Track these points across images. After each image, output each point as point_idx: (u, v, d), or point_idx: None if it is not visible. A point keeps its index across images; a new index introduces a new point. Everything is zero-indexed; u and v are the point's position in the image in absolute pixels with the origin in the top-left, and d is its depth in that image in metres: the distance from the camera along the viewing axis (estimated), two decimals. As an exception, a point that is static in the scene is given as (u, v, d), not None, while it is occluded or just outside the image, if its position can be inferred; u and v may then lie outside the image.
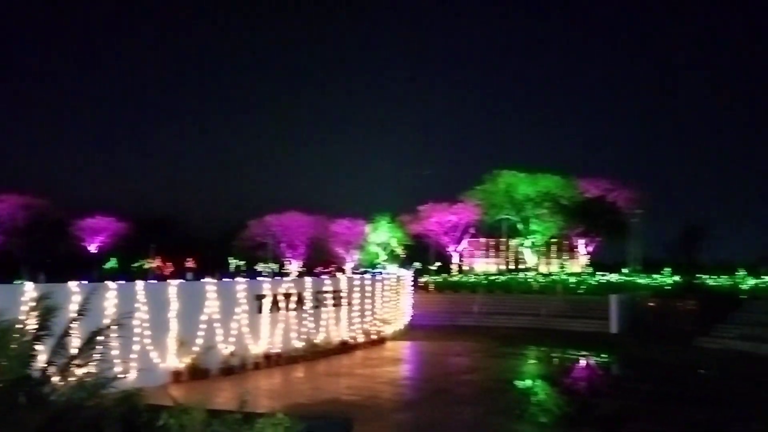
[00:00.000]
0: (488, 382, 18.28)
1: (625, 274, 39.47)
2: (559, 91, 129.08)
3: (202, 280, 18.97)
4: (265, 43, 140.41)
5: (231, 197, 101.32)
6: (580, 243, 50.26)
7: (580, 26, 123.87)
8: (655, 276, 36.40)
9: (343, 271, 45.72)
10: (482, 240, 59.82)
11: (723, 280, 32.72)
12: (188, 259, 57.79)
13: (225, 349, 18.14)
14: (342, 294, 22.98)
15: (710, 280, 32.89)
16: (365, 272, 32.63)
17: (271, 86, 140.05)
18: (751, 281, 31.50)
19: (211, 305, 18.01)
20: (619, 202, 46.77)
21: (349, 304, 23.33)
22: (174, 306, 17.14)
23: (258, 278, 21.64)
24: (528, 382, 18.74)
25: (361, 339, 23.58)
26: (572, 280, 37.83)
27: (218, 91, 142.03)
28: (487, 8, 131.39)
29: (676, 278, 33.82)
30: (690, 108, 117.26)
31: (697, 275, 33.19)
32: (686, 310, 27.39)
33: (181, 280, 18.57)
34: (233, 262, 62.96)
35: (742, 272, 33.53)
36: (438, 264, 51.11)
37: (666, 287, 33.02)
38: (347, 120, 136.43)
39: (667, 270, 35.74)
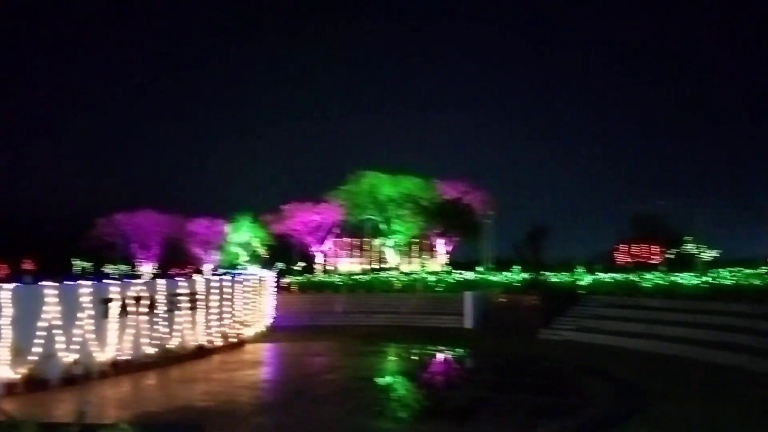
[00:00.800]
0: (349, 380, 18.41)
1: (480, 272, 41.61)
2: (420, 96, 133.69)
3: (41, 283, 17.35)
4: (120, 36, 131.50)
5: (77, 193, 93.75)
6: (439, 243, 52.37)
7: (434, 30, 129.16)
8: (506, 273, 38.69)
9: (200, 272, 44.01)
10: (346, 240, 60.37)
11: (564, 277, 35.49)
12: (25, 260, 52.69)
13: (67, 357, 16.73)
14: (199, 296, 22.05)
15: (553, 277, 35.53)
16: (225, 273, 31.62)
17: (122, 79, 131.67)
18: (589, 278, 34.50)
19: (51, 310, 16.52)
20: (474, 204, 49.36)
21: (207, 306, 22.45)
22: (7, 312, 15.60)
23: (105, 281, 20.17)
24: (387, 379, 19.12)
25: (219, 343, 22.81)
26: (431, 278, 39.22)
27: (62, 77, 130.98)
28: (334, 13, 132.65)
29: (524, 275, 36.21)
30: (533, 116, 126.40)
31: (542, 272, 35.74)
32: (531, 305, 29.42)
33: (17, 284, 16.87)
34: (79, 264, 58.34)
35: (580, 269, 36.58)
36: (302, 264, 50.82)
37: (515, 284, 35.24)
38: (209, 116, 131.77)
39: (517, 268, 38.13)
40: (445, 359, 23.41)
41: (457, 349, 24.71)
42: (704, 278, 30.29)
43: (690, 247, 49.21)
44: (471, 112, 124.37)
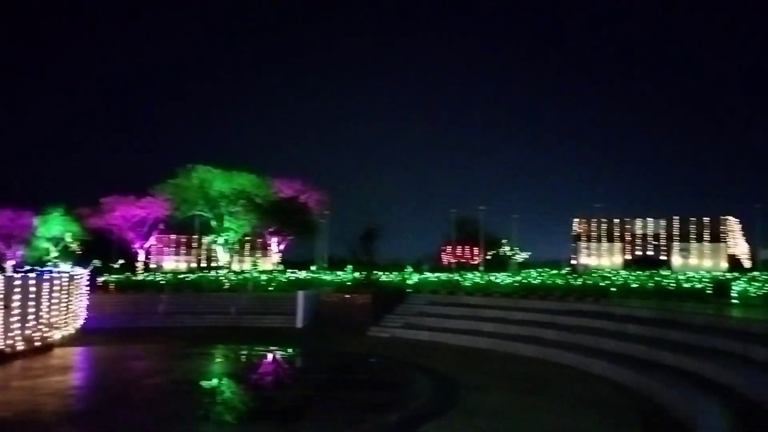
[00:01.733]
0: (172, 384, 17.39)
1: (313, 272, 41.72)
2: (258, 92, 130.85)
3: None
4: None
5: None
6: (273, 241, 51.62)
7: (290, 32, 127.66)
8: (338, 273, 39.20)
9: (2, 269, 39.14)
10: (172, 236, 57.22)
11: (394, 276, 36.79)
12: None
13: None
14: (-3, 296, 19.55)
15: (384, 277, 36.67)
16: (31, 271, 28.38)
17: None
18: (416, 277, 36.09)
19: None
20: (310, 203, 49.37)
21: (7, 307, 19.96)
22: None
23: None
24: (214, 381, 18.36)
25: (21, 347, 20.40)
26: (264, 277, 38.56)
27: None
28: None
29: (356, 275, 36.93)
30: (369, 118, 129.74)
31: (374, 272, 36.74)
32: (362, 304, 30.04)
33: None
34: None
35: (409, 269, 38.15)
36: (121, 262, 47.24)
37: (347, 283, 35.83)
38: (23, 101, 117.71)
39: (349, 267, 38.76)
40: (275, 359, 23.07)
41: (287, 349, 24.47)
42: (517, 278, 33.09)
43: (505, 249, 53.59)
44: (311, 113, 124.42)
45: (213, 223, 47.56)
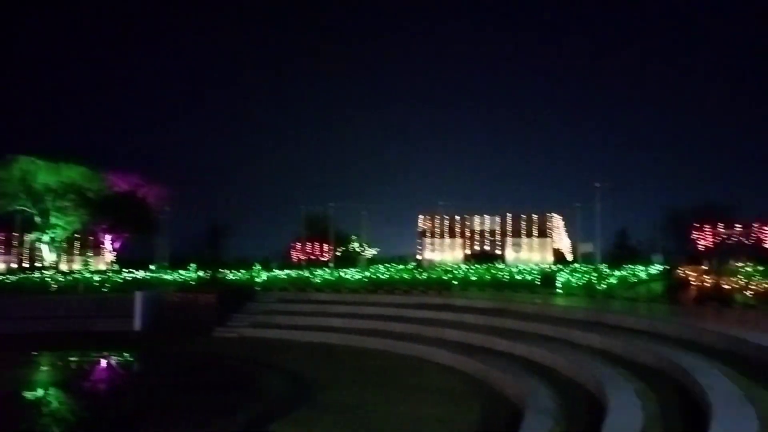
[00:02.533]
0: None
1: (153, 271, 39.40)
2: (92, 81, 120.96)
3: None
4: None
5: None
6: (107, 239, 48.07)
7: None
8: (181, 271, 37.39)
9: None
10: (-11, 235, 51.16)
11: (241, 274, 35.86)
12: None
13: None
14: None
15: (231, 275, 35.61)
16: None
17: None
18: (265, 275, 35.46)
19: None
20: (149, 198, 46.64)
21: None
22: None
23: None
24: (39, 392, 16.69)
25: None
26: (96, 278, 35.76)
27: None
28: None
29: (201, 273, 35.49)
30: (218, 112, 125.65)
31: (220, 270, 35.53)
32: (207, 304, 28.96)
33: None
34: None
35: (257, 267, 37.38)
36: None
37: (191, 282, 34.32)
38: None
39: (193, 266, 37.18)
40: (109, 365, 21.51)
41: (123, 353, 22.92)
42: (366, 273, 33.75)
43: (355, 246, 54.47)
44: (152, 106, 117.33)
45: (37, 219, 43.24)
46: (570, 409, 10.97)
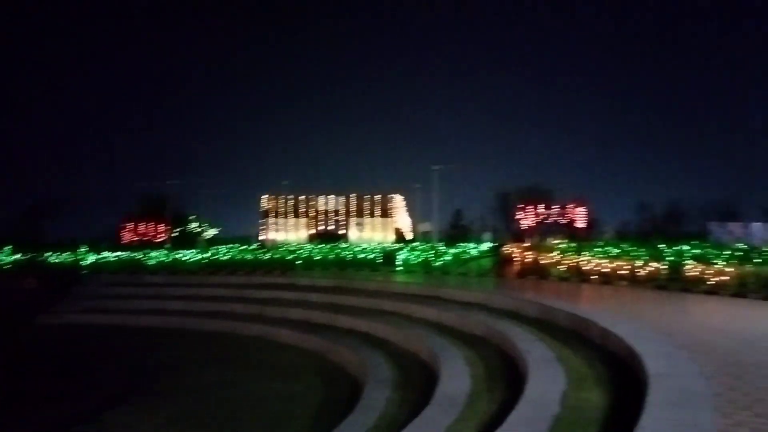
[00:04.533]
0: None
1: (-43, 255, 34.96)
2: None
3: None
4: None
5: None
6: None
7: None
8: (-7, 255, 33.63)
9: None
10: None
11: (65, 257, 33.06)
12: None
13: None
14: None
15: (54, 258, 32.70)
16: None
17: None
18: (92, 257, 32.98)
19: None
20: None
21: None
22: None
23: None
24: None
25: None
26: None
27: None
28: None
29: (18, 256, 32.19)
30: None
31: (41, 253, 32.46)
32: (28, 289, 26.43)
33: None
34: None
35: (84, 248, 34.64)
36: None
37: (6, 266, 31.04)
38: None
39: (8, 248, 33.60)
40: None
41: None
42: (205, 255, 32.69)
43: (194, 226, 52.36)
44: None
45: None
46: (407, 379, 11.62)
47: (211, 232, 52.27)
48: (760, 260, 18.44)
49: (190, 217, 53.08)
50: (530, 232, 42.06)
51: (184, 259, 31.56)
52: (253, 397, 12.49)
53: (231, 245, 37.74)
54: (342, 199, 58.86)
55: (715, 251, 20.31)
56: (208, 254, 32.49)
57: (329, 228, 57.86)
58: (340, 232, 57.23)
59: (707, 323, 11.76)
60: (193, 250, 34.85)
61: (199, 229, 51.86)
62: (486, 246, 30.58)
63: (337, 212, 58.76)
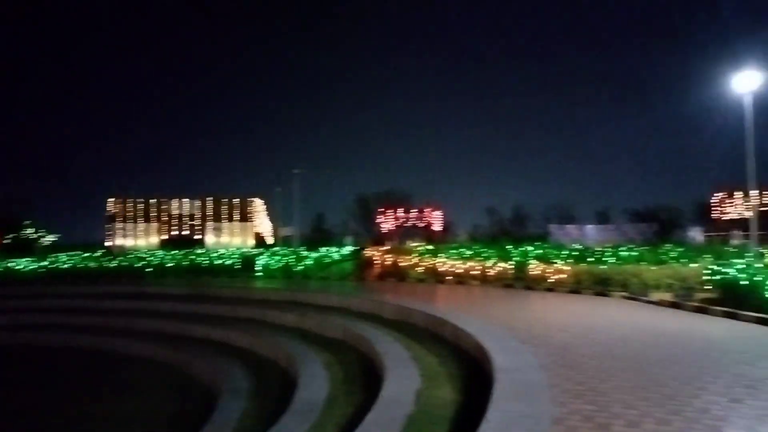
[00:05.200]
0: None
1: None
2: None
3: None
4: None
5: None
6: None
7: None
8: None
9: None
10: None
11: None
12: None
13: None
14: None
15: None
16: None
17: None
18: None
19: None
20: None
21: None
22: None
23: None
24: None
25: None
26: None
27: None
28: None
29: None
30: None
31: None
32: None
33: None
34: None
35: None
36: None
37: None
38: None
39: None
40: None
41: None
42: (43, 263, 29.85)
43: (30, 232, 47.67)
44: None
45: None
46: (265, 387, 11.32)
47: (49, 239, 47.92)
48: (593, 259, 20.26)
49: (26, 223, 48.34)
50: (390, 235, 43.07)
51: (17, 267, 28.59)
52: (101, 420, 11.51)
53: (73, 252, 34.80)
54: (198, 202, 56.62)
55: (554, 251, 22.00)
56: (47, 262, 29.71)
57: (183, 233, 55.36)
58: (196, 237, 55.03)
59: (547, 318, 12.65)
60: (28, 258, 31.70)
61: (36, 236, 47.37)
62: (348, 250, 30.78)
63: (192, 216, 56.43)
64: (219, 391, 11.62)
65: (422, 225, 45.86)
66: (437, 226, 45.22)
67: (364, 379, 10.01)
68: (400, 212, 45.76)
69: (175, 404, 12.20)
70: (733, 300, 12.88)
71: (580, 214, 52.77)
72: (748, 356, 8.34)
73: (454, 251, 24.46)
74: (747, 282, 12.68)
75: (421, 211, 46.41)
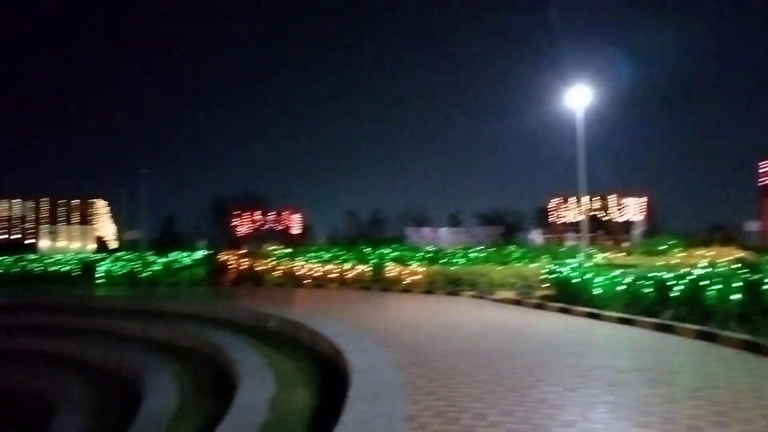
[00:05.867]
0: None
1: None
2: None
3: None
4: None
5: None
6: None
7: None
8: None
9: None
10: None
11: None
12: None
13: None
14: None
15: None
16: None
17: None
18: None
19: None
20: None
21: None
22: None
23: None
24: None
25: None
26: None
27: None
28: None
29: None
30: None
31: None
32: None
33: None
34: None
35: None
36: None
37: None
38: None
39: None
40: None
41: None
42: None
43: None
44: None
45: None
46: (107, 402, 10.53)
47: None
48: (445, 260, 21.19)
49: None
50: (247, 239, 42.05)
51: None
52: None
53: None
54: (31, 203, 51.53)
55: (410, 253, 22.73)
56: None
57: (13, 237, 50.15)
58: (28, 241, 50.03)
59: (402, 319, 13.01)
60: None
61: None
62: (200, 254, 29.55)
63: (23, 219, 51.24)
64: (55, 409, 10.63)
65: (280, 228, 45.28)
66: (296, 230, 44.88)
67: (217, 388, 9.63)
68: (258, 215, 44.79)
69: (6, 424, 10.99)
70: (566, 296, 14.05)
71: (435, 217, 55.03)
72: (579, 348, 9.12)
73: (313, 254, 24.41)
74: (578, 280, 13.89)
75: (279, 214, 45.77)
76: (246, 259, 25.41)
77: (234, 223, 44.31)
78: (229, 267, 25.66)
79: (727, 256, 20.70)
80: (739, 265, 15.49)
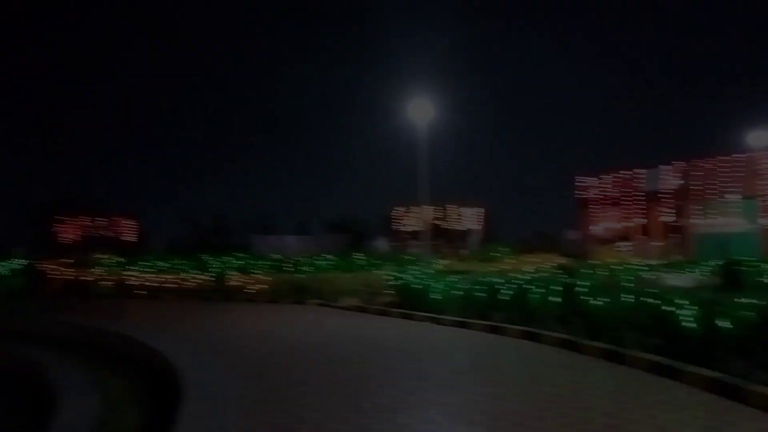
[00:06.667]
0: None
1: None
2: None
3: None
4: None
5: None
6: None
7: None
8: None
9: None
10: None
11: None
12: None
13: None
14: None
15: None
16: None
17: None
18: None
19: None
20: None
21: None
22: None
23: None
24: None
25: None
26: None
27: None
28: None
29: None
30: None
31: None
32: None
33: None
34: None
35: None
36: None
37: None
38: None
39: None
40: None
41: None
42: None
43: None
44: None
45: None
46: None
47: None
48: (292, 269, 20.97)
49: None
50: (73, 246, 38.60)
51: None
52: None
53: None
54: None
55: (254, 262, 22.20)
56: None
57: None
58: None
59: (242, 330, 12.63)
60: None
61: None
62: (17, 263, 26.56)
63: None
64: None
65: (112, 235, 42.11)
66: (130, 237, 42.00)
67: (33, 410, 8.67)
68: (86, 221, 41.31)
69: None
70: (409, 302, 14.51)
71: (282, 224, 54.24)
72: (418, 352, 9.44)
73: (148, 263, 22.97)
74: (420, 286, 14.41)
75: (110, 220, 42.56)
76: (71, 269, 23.31)
77: (57, 229, 40.45)
78: (52, 277, 23.39)
79: (550, 262, 22.68)
80: (560, 270, 17.04)
